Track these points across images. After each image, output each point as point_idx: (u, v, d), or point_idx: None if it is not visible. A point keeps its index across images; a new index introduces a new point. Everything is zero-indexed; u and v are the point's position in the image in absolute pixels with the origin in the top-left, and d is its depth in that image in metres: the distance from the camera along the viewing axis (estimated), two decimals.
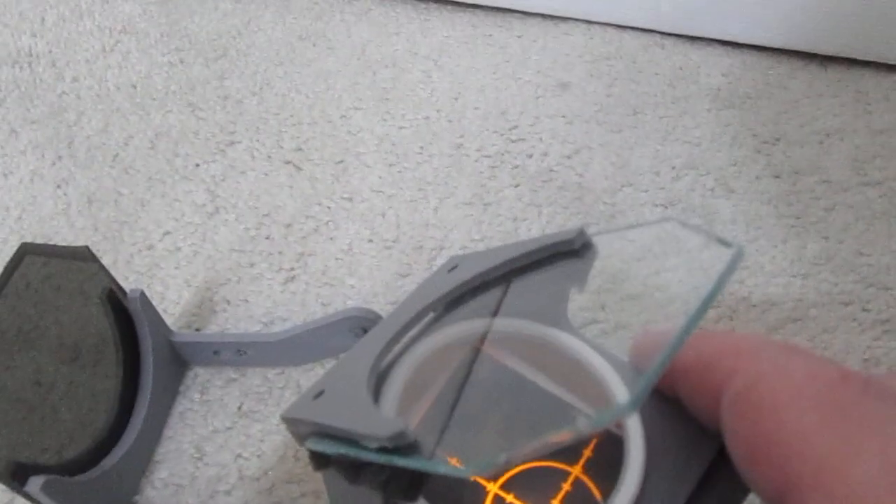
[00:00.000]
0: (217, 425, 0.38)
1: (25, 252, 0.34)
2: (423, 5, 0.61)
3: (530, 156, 0.50)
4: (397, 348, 0.25)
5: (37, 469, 0.31)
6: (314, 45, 0.58)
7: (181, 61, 0.58)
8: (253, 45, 0.59)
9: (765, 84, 0.55)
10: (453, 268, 0.27)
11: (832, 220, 0.47)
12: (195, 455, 0.37)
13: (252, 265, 0.45)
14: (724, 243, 0.21)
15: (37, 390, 0.35)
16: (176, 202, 0.48)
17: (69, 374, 0.36)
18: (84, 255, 0.36)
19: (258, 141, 0.52)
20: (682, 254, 0.23)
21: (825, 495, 0.17)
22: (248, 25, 0.60)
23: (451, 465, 0.17)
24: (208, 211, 0.48)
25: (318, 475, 0.29)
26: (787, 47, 0.57)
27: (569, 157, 0.50)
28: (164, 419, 0.39)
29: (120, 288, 0.37)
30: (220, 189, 0.49)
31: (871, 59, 0.56)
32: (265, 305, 0.43)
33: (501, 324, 0.25)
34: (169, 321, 0.40)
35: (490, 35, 0.59)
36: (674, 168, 0.49)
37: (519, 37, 0.58)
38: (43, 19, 0.61)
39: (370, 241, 0.46)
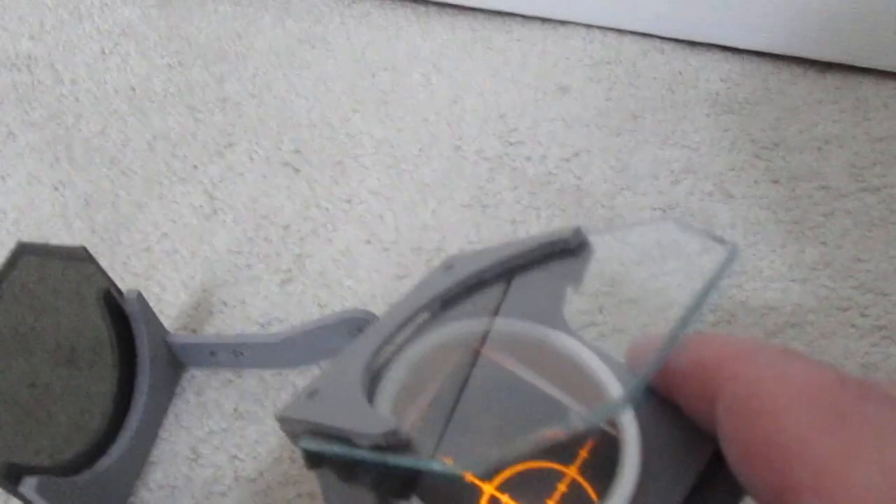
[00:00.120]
0: (213, 427, 0.38)
1: (22, 251, 0.34)
2: (422, 9, 0.61)
3: (529, 159, 0.50)
4: (392, 348, 0.24)
5: (31, 470, 0.31)
6: (313, 48, 0.58)
7: (180, 64, 0.58)
8: (252, 49, 0.59)
9: (764, 90, 0.55)
10: (449, 268, 0.26)
11: (831, 226, 0.47)
12: (190, 457, 0.37)
13: (249, 267, 0.45)
14: (721, 241, 0.21)
15: (32, 392, 0.35)
16: (174, 204, 0.48)
17: (65, 376, 0.36)
18: (81, 255, 0.36)
19: (257, 143, 0.52)
20: (681, 257, 0.23)
21: (824, 499, 0.16)
22: (247, 29, 0.60)
23: (444, 463, 0.16)
24: (206, 213, 0.48)
25: (314, 477, 0.29)
26: (786, 53, 0.57)
27: (568, 161, 0.50)
28: (160, 420, 0.39)
29: (117, 289, 0.37)
30: (217, 191, 0.49)
31: (871, 66, 0.56)
32: (262, 307, 0.43)
33: (497, 324, 0.25)
34: (166, 323, 0.40)
35: (489, 39, 0.59)
36: (672, 172, 0.49)
37: (518, 41, 0.58)
38: (42, 23, 0.61)
39: (368, 242, 0.46)
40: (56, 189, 0.50)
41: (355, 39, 0.59)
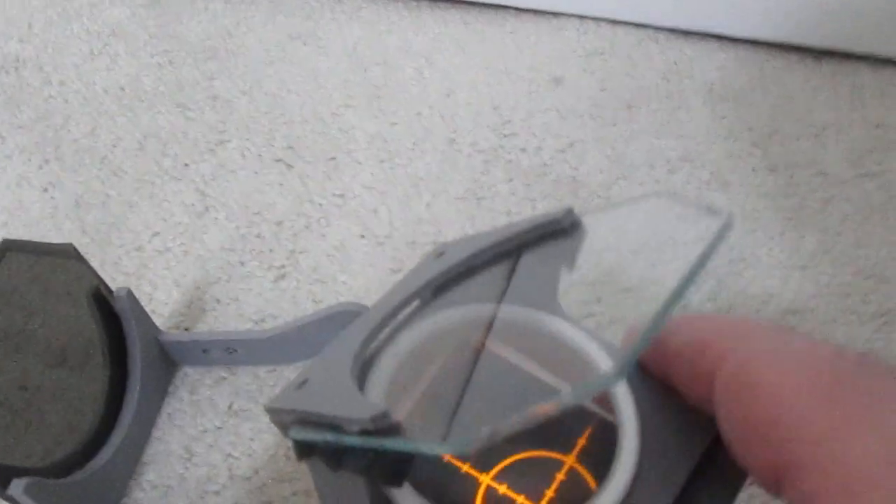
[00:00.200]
0: (207, 425, 0.38)
1: (7, 248, 0.33)
2: (414, 3, 0.60)
3: (524, 150, 0.49)
4: (383, 336, 0.24)
5: (20, 472, 0.30)
6: (305, 44, 0.58)
7: (170, 63, 0.57)
8: (243, 46, 0.58)
9: (760, 78, 0.55)
10: (441, 255, 0.26)
11: (830, 213, 0.46)
12: (184, 456, 0.37)
13: (242, 264, 0.44)
14: (715, 211, 0.20)
15: (22, 395, 0.35)
16: (165, 203, 0.48)
17: (56, 378, 0.36)
18: (68, 253, 0.35)
19: (248, 140, 0.51)
20: (677, 233, 0.23)
21: (823, 473, 0.16)
22: (237, 26, 0.59)
23: (434, 444, 0.16)
24: (198, 211, 0.47)
25: (310, 474, 0.29)
26: (781, 41, 0.56)
27: (563, 152, 0.49)
28: (153, 420, 0.38)
29: (106, 287, 0.37)
30: (209, 189, 0.48)
31: (867, 52, 0.55)
32: (256, 304, 0.42)
33: (490, 309, 0.25)
34: (159, 322, 0.40)
35: (482, 32, 0.58)
36: (668, 161, 0.49)
37: (511, 33, 0.58)
38: (30, 25, 0.61)
39: (362, 237, 0.45)
40: (45, 191, 0.49)
41: (347, 35, 0.58)
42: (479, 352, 0.24)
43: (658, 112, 0.52)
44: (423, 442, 0.16)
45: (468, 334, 0.25)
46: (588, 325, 0.24)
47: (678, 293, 0.18)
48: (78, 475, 0.33)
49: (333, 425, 0.19)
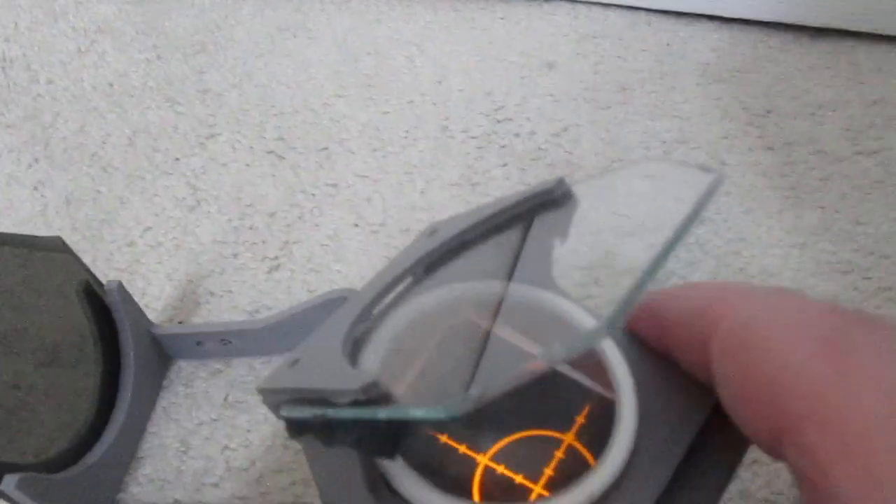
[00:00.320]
0: (202, 418, 0.37)
1: None
2: None
3: (518, 135, 0.49)
4: (375, 313, 0.24)
5: (13, 468, 0.30)
6: (294, 36, 0.57)
7: (158, 58, 0.57)
8: (232, 39, 0.58)
9: (754, 58, 0.54)
10: (433, 233, 0.26)
11: (828, 190, 0.46)
12: (180, 449, 0.36)
13: (236, 256, 0.44)
14: (706, 170, 0.20)
15: (16, 394, 0.34)
16: (156, 197, 0.47)
17: (49, 376, 0.35)
18: (56, 246, 0.35)
19: (239, 132, 0.51)
20: (673, 204, 0.22)
21: (821, 427, 0.16)
22: (226, 19, 0.59)
23: (424, 408, 0.16)
24: (189, 204, 0.47)
25: (307, 464, 0.29)
26: (776, 20, 0.56)
27: (557, 136, 0.49)
28: (148, 414, 0.38)
29: (97, 280, 0.36)
30: (201, 182, 0.48)
31: (863, 29, 0.55)
32: (250, 295, 0.42)
33: (484, 285, 0.24)
34: (152, 316, 0.39)
35: (473, 19, 0.58)
36: (664, 143, 0.48)
37: (502, 19, 0.57)
38: (16, 24, 0.60)
39: (356, 226, 0.45)
40: (35, 189, 0.49)
41: (336, 25, 0.58)
42: (472, 328, 0.24)
43: (652, 94, 0.51)
44: (413, 407, 0.16)
45: (462, 310, 0.24)
46: (583, 303, 0.23)
47: (671, 244, 0.17)
48: (72, 470, 0.33)
49: (324, 399, 0.18)
